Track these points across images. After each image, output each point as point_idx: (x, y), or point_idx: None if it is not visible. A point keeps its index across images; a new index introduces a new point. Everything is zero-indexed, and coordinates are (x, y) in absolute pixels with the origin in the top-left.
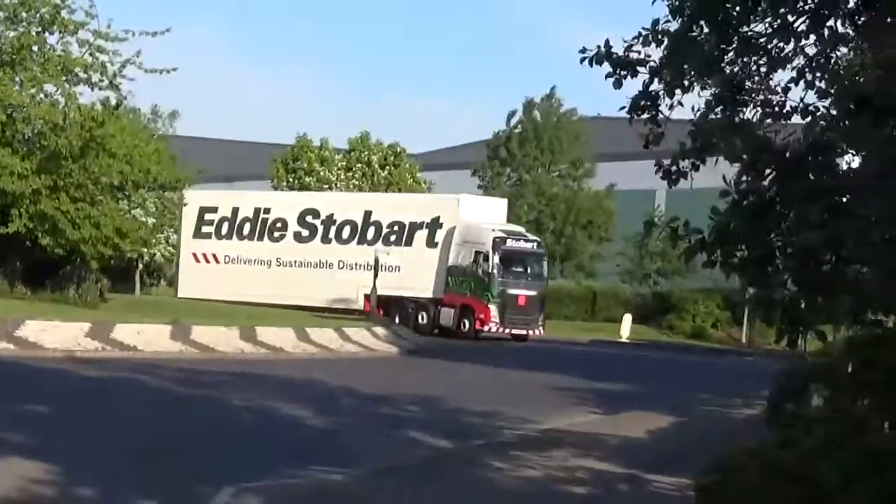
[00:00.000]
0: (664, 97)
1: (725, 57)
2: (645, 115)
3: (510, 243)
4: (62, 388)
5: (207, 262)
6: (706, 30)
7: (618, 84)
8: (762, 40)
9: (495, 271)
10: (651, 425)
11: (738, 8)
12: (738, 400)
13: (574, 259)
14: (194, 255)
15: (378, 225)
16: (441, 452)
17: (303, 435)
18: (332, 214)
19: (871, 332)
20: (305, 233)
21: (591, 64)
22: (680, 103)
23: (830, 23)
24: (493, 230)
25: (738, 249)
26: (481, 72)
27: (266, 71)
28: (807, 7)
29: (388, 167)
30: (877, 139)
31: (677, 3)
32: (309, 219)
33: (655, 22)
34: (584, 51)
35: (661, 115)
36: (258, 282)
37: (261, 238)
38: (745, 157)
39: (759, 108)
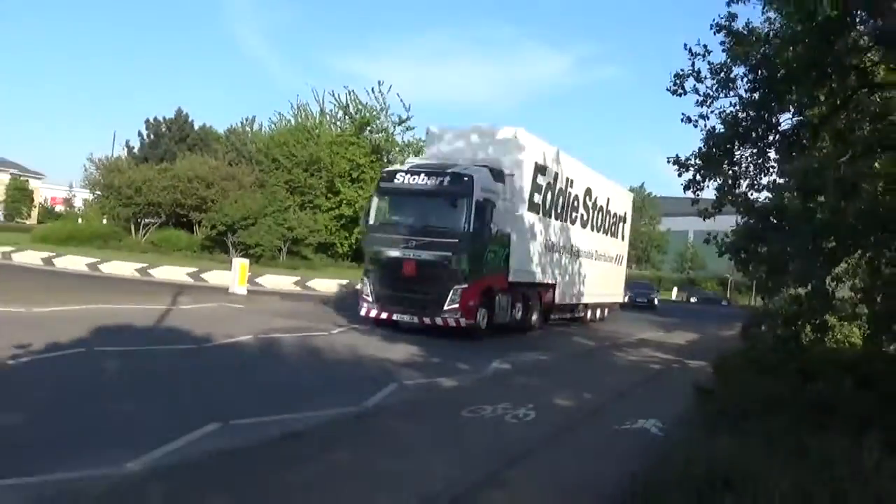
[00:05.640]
0: (702, 181)
1: (725, 166)
2: (692, 191)
3: (401, 179)
4: None
5: None
6: (719, 152)
7: (679, 174)
8: (744, 164)
9: (370, 221)
10: (688, 338)
11: (729, 145)
12: (726, 327)
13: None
14: None
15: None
16: (590, 348)
17: (525, 343)
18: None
19: (797, 293)
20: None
21: (668, 161)
22: (708, 186)
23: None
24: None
25: (742, 253)
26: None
27: None
28: (772, 145)
29: None
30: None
31: (706, 140)
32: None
33: (700, 148)
34: (668, 159)
35: (700, 191)
36: None
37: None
38: (742, 210)
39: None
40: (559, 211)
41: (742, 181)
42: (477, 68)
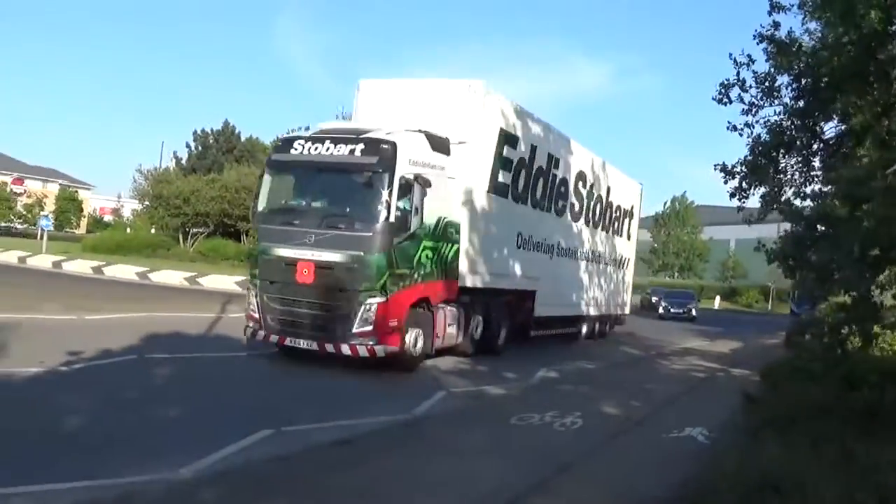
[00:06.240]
0: (748, 189)
1: (771, 173)
2: (737, 198)
3: (299, 149)
4: None
5: None
6: (764, 161)
7: (725, 181)
8: (790, 172)
9: (259, 207)
10: (731, 346)
11: (774, 153)
12: (768, 335)
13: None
14: None
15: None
16: (636, 357)
17: (570, 351)
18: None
19: (843, 302)
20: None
21: (714, 168)
22: (752, 193)
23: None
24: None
25: (790, 260)
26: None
27: None
28: (817, 153)
29: None
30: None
31: (752, 148)
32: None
33: (746, 156)
34: (715, 166)
35: (746, 198)
36: None
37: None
38: (789, 217)
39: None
40: (538, 196)
41: (787, 189)
42: (516, 80)
